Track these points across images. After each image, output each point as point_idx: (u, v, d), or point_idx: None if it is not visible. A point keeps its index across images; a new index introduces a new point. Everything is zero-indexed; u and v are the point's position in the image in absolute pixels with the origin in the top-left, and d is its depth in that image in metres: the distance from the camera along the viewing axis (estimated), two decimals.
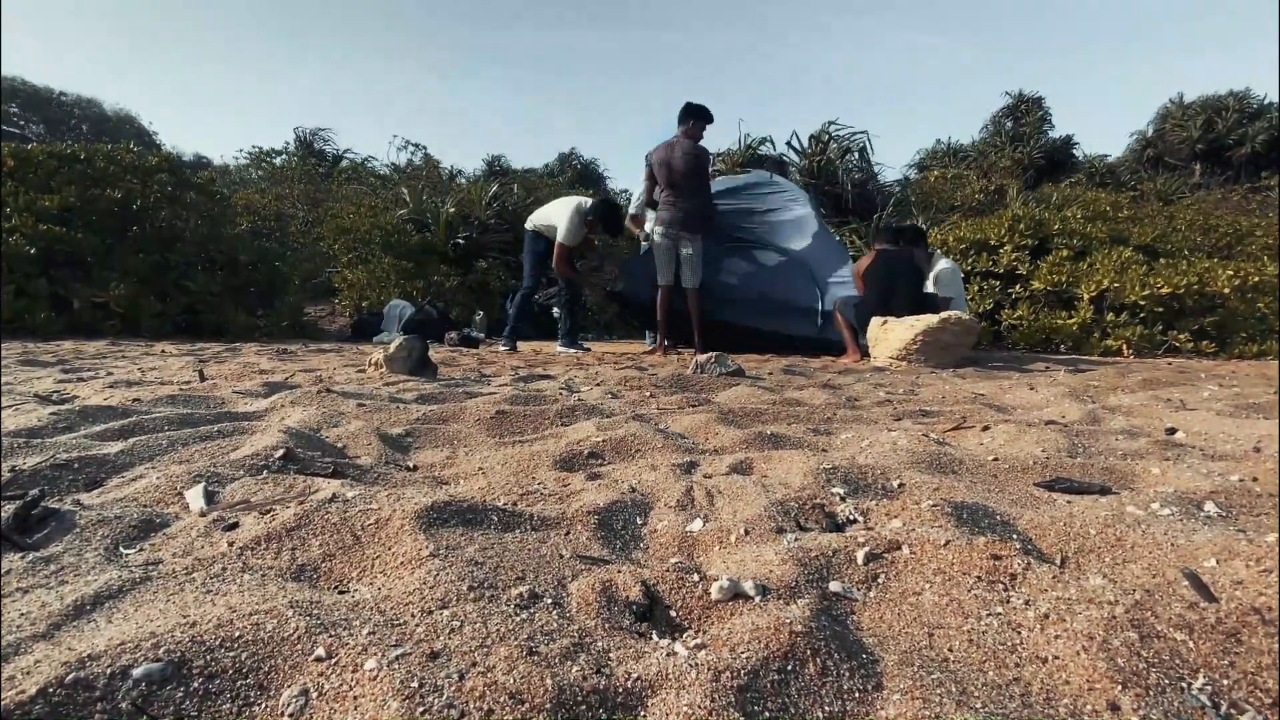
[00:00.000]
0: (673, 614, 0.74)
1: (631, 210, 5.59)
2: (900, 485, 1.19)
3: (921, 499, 1.06)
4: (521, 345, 5.94)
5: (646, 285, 5.24)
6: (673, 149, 4.88)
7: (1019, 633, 0.69)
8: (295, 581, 0.80)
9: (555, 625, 0.68)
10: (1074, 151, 18.57)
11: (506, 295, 7.95)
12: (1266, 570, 0.74)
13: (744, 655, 0.62)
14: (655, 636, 0.69)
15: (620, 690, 0.58)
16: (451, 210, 9.13)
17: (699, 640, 0.67)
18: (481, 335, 6.55)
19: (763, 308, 5.18)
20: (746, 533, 0.95)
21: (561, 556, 0.88)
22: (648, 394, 2.42)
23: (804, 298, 5.12)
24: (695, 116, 4.85)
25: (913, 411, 2.08)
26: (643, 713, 0.56)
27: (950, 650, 0.68)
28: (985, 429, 1.72)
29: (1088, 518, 0.95)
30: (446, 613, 0.69)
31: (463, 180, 14.49)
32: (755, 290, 5.23)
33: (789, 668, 0.62)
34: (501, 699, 0.55)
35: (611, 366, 3.63)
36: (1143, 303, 5.75)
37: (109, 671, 0.56)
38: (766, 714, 0.57)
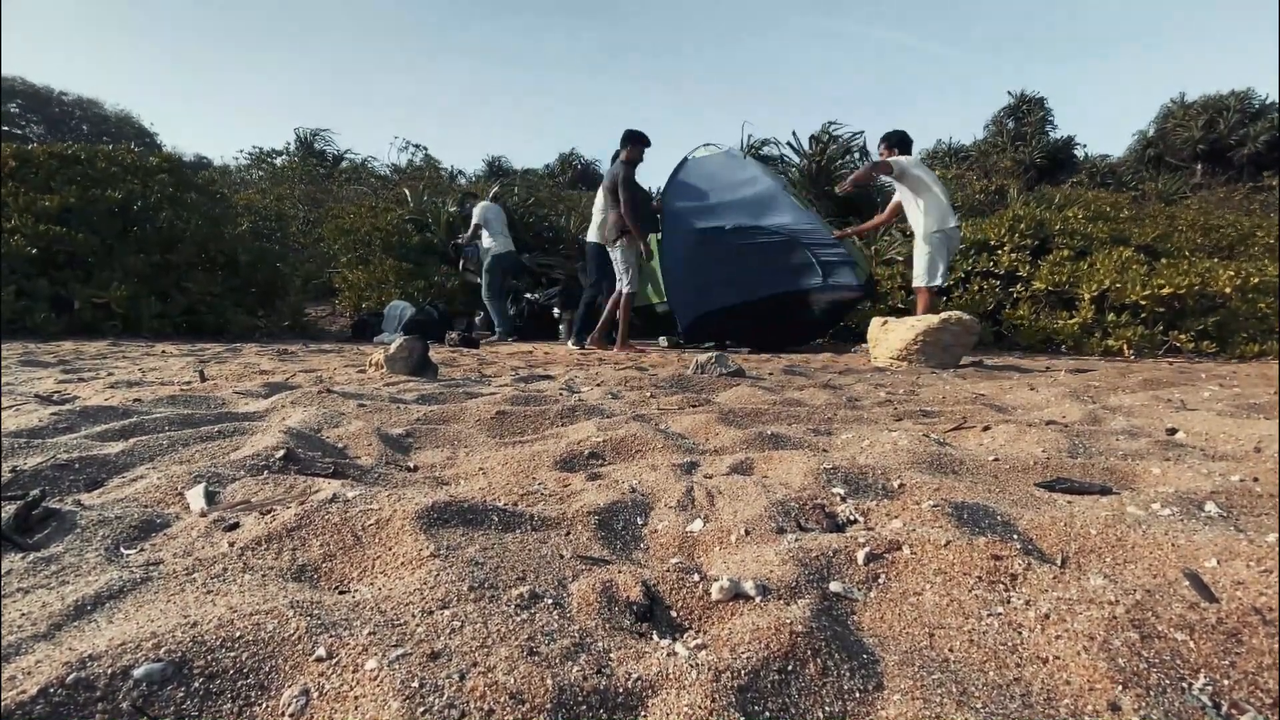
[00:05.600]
0: (673, 614, 0.74)
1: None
2: (901, 485, 1.19)
3: (922, 499, 1.06)
4: (522, 345, 6.05)
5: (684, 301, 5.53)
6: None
7: (1019, 633, 0.69)
8: (296, 582, 0.80)
9: (556, 625, 0.68)
10: (1075, 151, 18.55)
11: (506, 296, 7.94)
12: (1267, 570, 0.74)
13: (744, 655, 0.62)
14: (656, 637, 0.69)
15: (621, 690, 0.58)
16: (452, 210, 9.12)
17: (699, 640, 0.67)
18: (483, 335, 6.56)
19: (769, 276, 5.37)
20: (747, 533, 0.95)
21: (562, 557, 0.88)
22: (648, 394, 2.42)
23: (802, 257, 5.40)
24: (631, 141, 5.38)
25: (913, 412, 2.08)
26: (643, 713, 0.56)
27: (951, 650, 0.68)
28: (986, 429, 1.72)
29: (1088, 518, 0.95)
30: (447, 613, 0.69)
31: (463, 180, 14.50)
32: (757, 261, 5.43)
33: (789, 668, 0.62)
34: (502, 699, 0.55)
35: (612, 367, 3.62)
36: (1144, 303, 5.73)
37: (110, 672, 0.56)
38: (767, 714, 0.57)
